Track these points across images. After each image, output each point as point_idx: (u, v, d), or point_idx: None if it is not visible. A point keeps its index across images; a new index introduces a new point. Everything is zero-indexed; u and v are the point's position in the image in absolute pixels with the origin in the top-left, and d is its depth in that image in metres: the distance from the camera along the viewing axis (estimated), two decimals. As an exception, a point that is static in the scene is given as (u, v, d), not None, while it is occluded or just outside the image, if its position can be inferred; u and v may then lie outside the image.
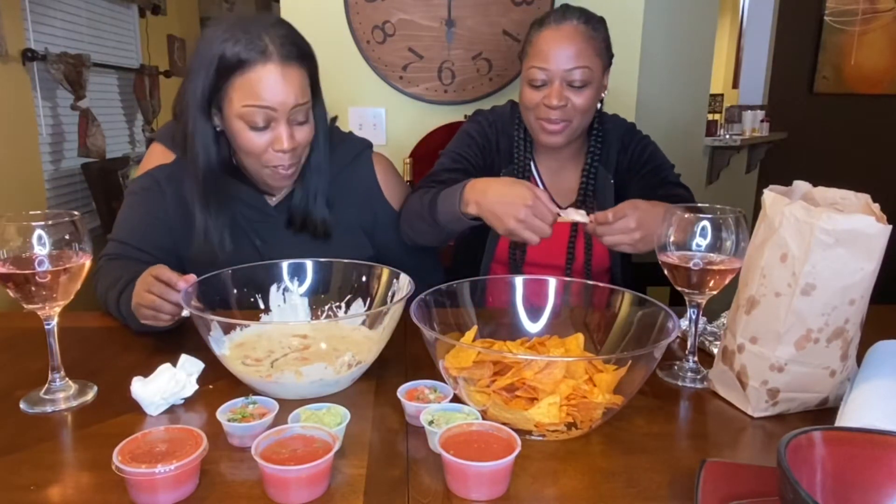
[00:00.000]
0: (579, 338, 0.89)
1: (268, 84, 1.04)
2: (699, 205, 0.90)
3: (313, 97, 1.14)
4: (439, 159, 1.41)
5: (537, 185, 1.38)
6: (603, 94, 1.34)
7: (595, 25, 1.28)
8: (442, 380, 0.82)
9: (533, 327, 0.98)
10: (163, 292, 0.92)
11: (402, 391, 0.80)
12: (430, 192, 1.22)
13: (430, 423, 0.72)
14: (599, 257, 1.38)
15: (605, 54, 1.30)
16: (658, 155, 1.42)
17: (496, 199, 1.08)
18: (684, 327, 0.95)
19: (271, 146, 1.09)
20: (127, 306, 1.00)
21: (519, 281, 1.00)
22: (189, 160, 1.14)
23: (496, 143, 1.41)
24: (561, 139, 1.31)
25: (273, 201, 1.25)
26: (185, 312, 0.88)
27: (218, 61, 1.05)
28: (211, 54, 1.05)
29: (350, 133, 1.35)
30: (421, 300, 0.87)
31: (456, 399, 0.79)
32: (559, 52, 1.24)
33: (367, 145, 1.33)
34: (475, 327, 0.90)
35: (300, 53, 1.09)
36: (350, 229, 1.27)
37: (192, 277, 0.92)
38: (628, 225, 1.06)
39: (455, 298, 0.95)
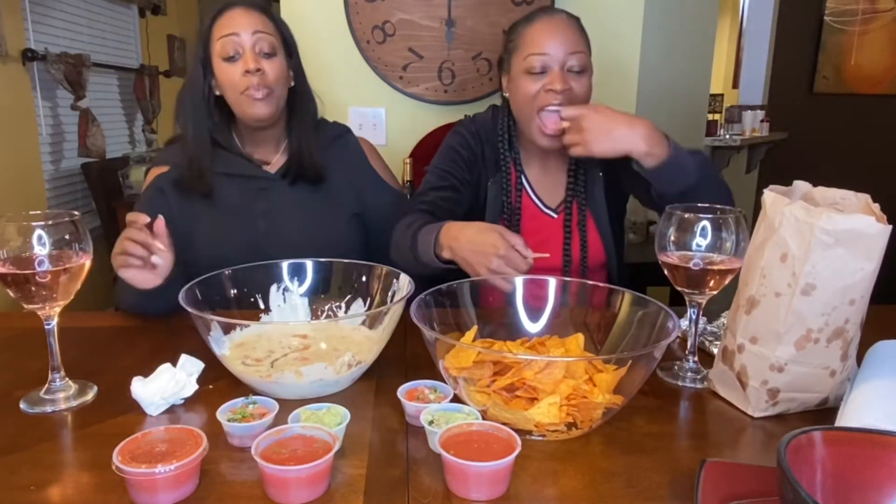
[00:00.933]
0: (579, 338, 0.89)
1: (233, 17, 1.28)
2: (699, 205, 0.90)
3: (288, 56, 1.33)
4: (426, 176, 1.39)
5: (527, 192, 1.38)
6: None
7: (580, 24, 1.30)
8: (442, 380, 0.82)
9: (533, 327, 0.98)
10: (129, 233, 1.04)
11: (402, 391, 0.80)
12: (413, 227, 1.20)
13: (430, 423, 0.72)
14: (595, 253, 1.38)
15: (590, 53, 1.30)
16: None
17: (468, 247, 1.06)
18: (684, 327, 0.95)
19: (242, 71, 1.26)
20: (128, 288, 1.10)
21: (519, 281, 1.00)
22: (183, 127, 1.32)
23: (481, 154, 1.38)
24: (559, 141, 1.26)
25: (271, 170, 1.37)
26: (156, 258, 1.05)
27: (210, 20, 1.31)
28: (205, 21, 1.32)
29: (335, 121, 1.49)
30: (421, 300, 0.87)
31: (456, 399, 0.79)
32: (556, 39, 1.24)
33: (347, 129, 1.48)
34: (475, 327, 0.90)
35: (264, 8, 1.32)
36: (340, 186, 1.40)
37: (160, 220, 1.07)
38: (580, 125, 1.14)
39: (455, 298, 0.95)
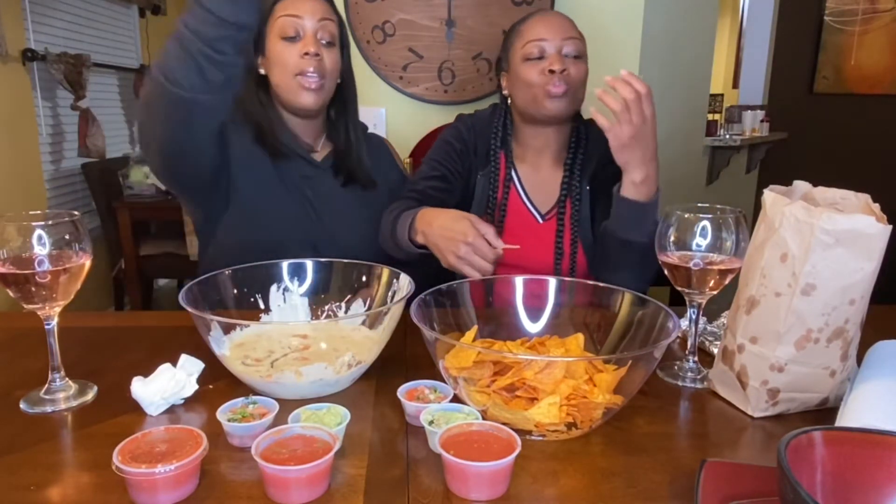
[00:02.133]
0: (579, 338, 0.89)
1: (299, 0, 1.27)
2: (699, 205, 0.90)
3: (341, 51, 1.33)
4: (420, 167, 1.42)
5: (516, 189, 1.39)
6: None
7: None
8: (442, 380, 0.82)
9: (533, 327, 0.98)
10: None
11: (402, 391, 0.80)
12: (395, 212, 1.25)
13: (431, 423, 0.72)
14: (583, 264, 1.37)
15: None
16: None
17: (439, 233, 1.10)
18: (684, 327, 0.95)
19: (301, 53, 1.24)
20: None
21: (519, 281, 1.00)
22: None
23: (474, 147, 1.40)
24: (563, 105, 1.29)
25: (318, 157, 1.37)
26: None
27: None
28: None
29: None
30: (421, 300, 0.87)
31: (456, 399, 0.79)
32: (553, 26, 1.30)
33: (366, 127, 1.48)
34: (475, 327, 0.90)
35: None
36: (382, 188, 1.42)
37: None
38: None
39: (455, 298, 0.95)
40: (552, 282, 1.00)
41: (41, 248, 0.77)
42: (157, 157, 1.17)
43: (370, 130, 1.48)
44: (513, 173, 1.39)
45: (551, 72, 1.27)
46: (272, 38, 1.27)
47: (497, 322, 0.97)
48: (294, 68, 1.25)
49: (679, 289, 0.91)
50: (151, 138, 1.13)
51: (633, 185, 1.16)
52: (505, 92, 1.39)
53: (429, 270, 1.18)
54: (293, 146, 1.33)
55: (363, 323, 1.00)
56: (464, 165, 1.40)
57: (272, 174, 1.31)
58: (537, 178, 1.40)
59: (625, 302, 0.92)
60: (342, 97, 1.37)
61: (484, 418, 0.73)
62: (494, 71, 1.45)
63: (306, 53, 1.24)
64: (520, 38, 1.32)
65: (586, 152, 1.38)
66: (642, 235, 1.16)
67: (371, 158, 1.42)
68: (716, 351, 0.91)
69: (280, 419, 0.74)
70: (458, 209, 1.16)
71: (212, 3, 0.95)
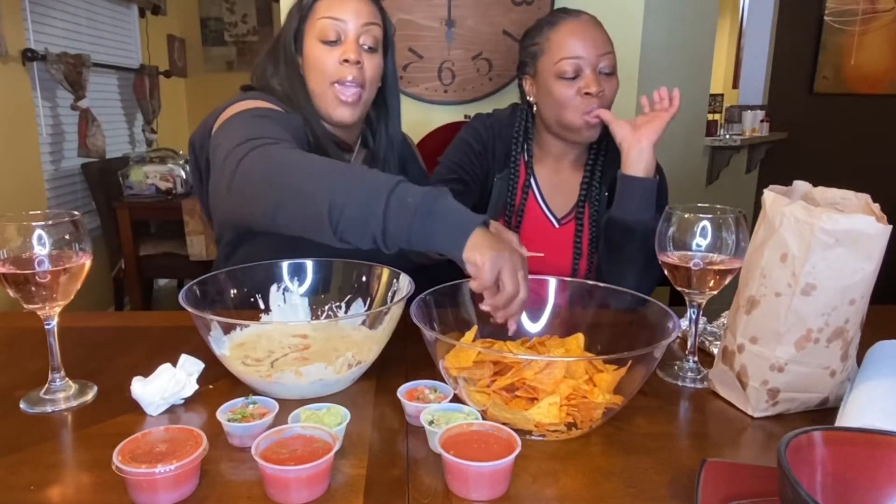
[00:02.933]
0: (579, 338, 0.89)
1: (342, 2, 1.17)
2: (699, 205, 0.90)
3: (385, 54, 1.24)
4: (437, 167, 1.40)
5: (534, 194, 1.38)
6: None
7: (602, 25, 1.30)
8: (442, 380, 0.82)
9: (533, 327, 0.98)
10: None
11: (401, 391, 0.80)
12: None
13: (431, 422, 0.72)
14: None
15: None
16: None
17: None
18: (684, 327, 0.95)
19: (340, 59, 1.16)
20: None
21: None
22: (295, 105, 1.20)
23: (492, 148, 1.38)
24: (599, 130, 1.29)
25: (351, 158, 1.30)
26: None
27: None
28: None
29: None
30: (421, 300, 0.87)
31: (456, 399, 0.79)
32: (586, 41, 1.25)
33: (404, 138, 1.45)
34: (475, 327, 0.90)
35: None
36: None
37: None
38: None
39: (455, 298, 0.95)
40: (552, 282, 1.00)
41: (41, 248, 0.77)
42: (227, 224, 1.16)
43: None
44: (531, 179, 1.38)
45: (587, 94, 1.24)
46: (310, 40, 1.18)
47: (497, 322, 0.96)
48: (332, 75, 1.17)
49: (679, 289, 0.91)
50: (225, 216, 1.13)
51: (632, 163, 1.20)
52: (530, 98, 1.36)
53: (450, 276, 1.16)
54: (329, 148, 1.23)
55: (363, 323, 0.99)
56: (482, 167, 1.38)
57: None
58: (555, 181, 1.39)
59: (625, 302, 0.92)
60: (384, 101, 1.30)
61: (484, 418, 0.73)
62: (517, 71, 1.41)
63: (346, 60, 1.15)
64: (552, 51, 1.27)
65: (607, 155, 1.37)
66: (642, 213, 1.19)
67: (398, 158, 1.36)
68: (716, 351, 0.91)
69: (280, 419, 0.74)
70: (476, 211, 1.15)
71: (353, 239, 0.86)
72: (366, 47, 1.18)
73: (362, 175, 0.88)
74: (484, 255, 0.82)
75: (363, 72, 1.17)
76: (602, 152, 1.37)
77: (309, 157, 0.93)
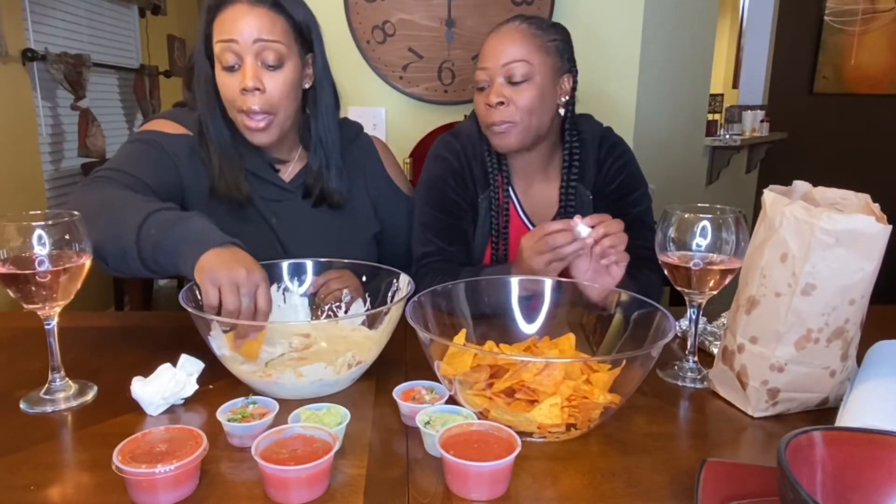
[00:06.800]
0: (571, 338, 0.89)
1: (233, 18, 1.08)
2: (699, 205, 0.90)
3: (304, 52, 1.15)
4: (422, 217, 1.30)
5: (514, 207, 1.32)
6: (562, 99, 1.25)
7: (544, 28, 1.23)
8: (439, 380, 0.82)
9: (529, 328, 0.98)
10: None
11: (397, 391, 0.80)
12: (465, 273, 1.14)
13: (427, 423, 0.71)
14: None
15: (558, 57, 1.23)
16: (629, 173, 1.31)
17: (526, 258, 1.05)
18: (684, 327, 0.95)
19: (239, 88, 1.08)
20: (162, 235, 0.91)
21: (514, 282, 1.00)
22: (200, 114, 1.16)
23: (470, 172, 1.31)
24: (510, 140, 1.22)
25: (286, 177, 1.23)
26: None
27: (206, 11, 1.12)
28: (205, 8, 1.13)
29: (345, 117, 1.35)
30: (416, 301, 0.87)
31: (452, 400, 0.79)
32: (496, 50, 1.20)
33: (360, 127, 1.36)
34: (464, 330, 0.88)
35: (274, 2, 1.10)
36: (361, 204, 1.29)
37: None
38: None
39: (451, 300, 0.94)
40: (548, 282, 0.99)
41: (41, 248, 0.77)
42: None
43: (368, 131, 1.38)
44: (511, 193, 1.32)
45: (487, 104, 1.21)
46: (216, 65, 1.11)
47: (491, 323, 0.96)
48: (236, 104, 1.10)
49: (679, 289, 0.91)
50: None
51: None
52: None
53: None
54: (257, 169, 1.19)
55: (363, 323, 1.00)
56: (466, 198, 1.31)
57: (233, 208, 1.17)
58: (532, 190, 1.34)
59: (620, 302, 0.92)
60: (313, 99, 1.20)
61: (485, 419, 0.73)
62: None
63: (244, 90, 1.08)
64: (478, 60, 1.24)
65: (581, 152, 1.30)
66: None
67: (354, 166, 1.28)
68: (716, 351, 0.91)
69: (280, 419, 0.74)
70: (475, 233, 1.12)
71: (158, 267, 0.93)
72: (268, 65, 1.09)
73: (127, 211, 0.95)
74: (202, 275, 0.85)
75: (268, 96, 1.09)
76: (576, 154, 1.30)
77: (113, 197, 1.00)
